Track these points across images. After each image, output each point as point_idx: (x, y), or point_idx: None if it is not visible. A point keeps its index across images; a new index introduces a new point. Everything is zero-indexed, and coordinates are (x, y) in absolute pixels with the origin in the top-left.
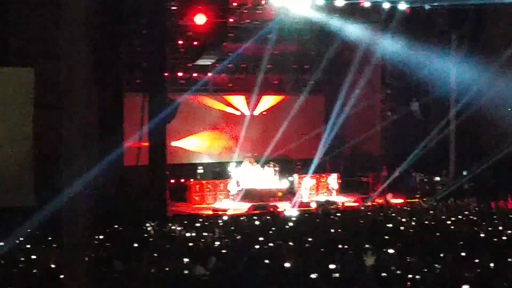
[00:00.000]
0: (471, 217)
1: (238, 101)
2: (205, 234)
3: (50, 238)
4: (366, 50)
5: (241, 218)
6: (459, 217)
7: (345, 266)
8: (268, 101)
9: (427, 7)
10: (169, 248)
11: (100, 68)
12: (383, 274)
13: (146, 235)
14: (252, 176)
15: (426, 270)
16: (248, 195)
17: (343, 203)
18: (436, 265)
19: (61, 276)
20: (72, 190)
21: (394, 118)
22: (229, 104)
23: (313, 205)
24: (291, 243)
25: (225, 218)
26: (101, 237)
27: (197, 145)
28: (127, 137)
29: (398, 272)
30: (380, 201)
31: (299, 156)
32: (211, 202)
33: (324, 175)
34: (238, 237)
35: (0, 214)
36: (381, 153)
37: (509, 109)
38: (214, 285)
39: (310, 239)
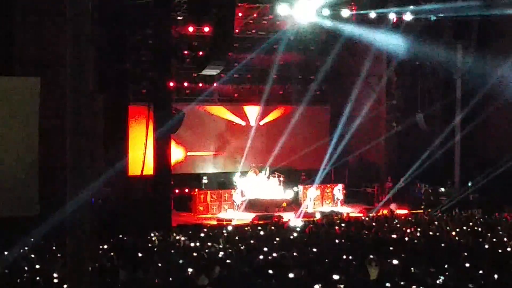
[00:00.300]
0: (476, 228)
1: (243, 111)
2: (209, 244)
3: (54, 248)
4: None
5: (246, 228)
6: (464, 228)
7: (349, 277)
8: (273, 112)
9: (433, 17)
10: (174, 258)
11: (106, 78)
12: (387, 285)
13: (150, 245)
14: (257, 186)
15: (430, 281)
16: (253, 205)
17: (347, 213)
18: (441, 276)
19: (65, 286)
20: (77, 199)
21: (399, 129)
22: (235, 114)
23: (318, 216)
24: (295, 254)
25: (229, 228)
26: (105, 246)
27: (202, 155)
28: (132, 147)
29: (402, 283)
30: (385, 211)
31: (304, 166)
32: (216, 212)
33: (329, 185)
34: (243, 247)
35: (5, 224)
36: (386, 163)
37: None
38: None
39: (314, 250)
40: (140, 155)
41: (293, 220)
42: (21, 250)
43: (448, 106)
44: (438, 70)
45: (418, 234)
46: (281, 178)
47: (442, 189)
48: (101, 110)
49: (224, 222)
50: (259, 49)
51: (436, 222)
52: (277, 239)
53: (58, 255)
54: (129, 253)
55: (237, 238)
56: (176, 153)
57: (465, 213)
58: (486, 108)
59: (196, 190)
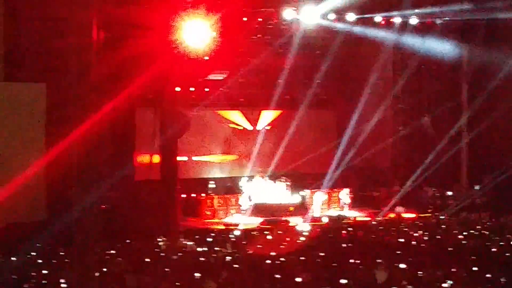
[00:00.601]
0: (483, 231)
1: (250, 115)
2: (216, 248)
3: (61, 253)
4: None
5: (253, 233)
6: (471, 231)
7: (356, 281)
8: (279, 116)
9: (438, 21)
10: (181, 263)
11: (112, 82)
12: None
13: (157, 249)
14: (263, 190)
15: (438, 285)
16: (259, 209)
17: (355, 217)
18: (448, 280)
19: None
20: (83, 205)
21: (406, 133)
22: (241, 119)
23: (325, 220)
24: (302, 258)
25: (236, 232)
26: (112, 251)
27: (208, 160)
28: (138, 152)
29: (410, 287)
30: (392, 215)
31: (311, 170)
32: (223, 217)
33: (335, 189)
34: (250, 251)
35: (12, 229)
36: (392, 167)
37: None
38: None
39: (321, 254)
40: (147, 160)
41: (300, 224)
42: (28, 256)
43: (455, 109)
44: (444, 73)
45: (426, 237)
46: (288, 183)
47: (450, 193)
48: (107, 114)
49: (231, 227)
50: (266, 53)
51: (443, 226)
52: (284, 243)
53: (66, 260)
54: (136, 258)
55: (244, 242)
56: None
57: (473, 216)
58: (493, 110)
59: (203, 194)
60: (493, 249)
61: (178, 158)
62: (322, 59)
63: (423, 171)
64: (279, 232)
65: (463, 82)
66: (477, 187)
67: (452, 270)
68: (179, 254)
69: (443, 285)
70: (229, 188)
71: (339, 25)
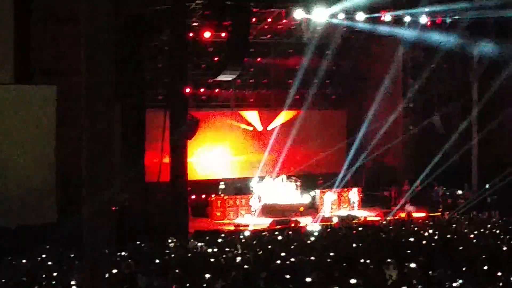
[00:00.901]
0: (494, 230)
1: (260, 116)
2: (227, 249)
3: (72, 255)
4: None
5: (263, 233)
6: (482, 230)
7: (367, 281)
8: (290, 116)
9: (448, 19)
10: (191, 264)
11: (122, 84)
12: None
13: (168, 251)
14: (273, 191)
15: (448, 284)
16: (269, 210)
17: (365, 217)
18: (459, 279)
19: None
20: (94, 207)
21: (416, 132)
22: (251, 120)
23: (335, 220)
24: (313, 258)
25: (246, 233)
26: (123, 253)
27: (218, 161)
28: (148, 154)
29: (420, 286)
30: (402, 215)
31: (321, 170)
32: (233, 218)
33: (346, 189)
34: (260, 252)
35: (23, 231)
36: (403, 166)
37: None
38: None
39: (332, 254)
40: (157, 162)
41: (310, 224)
42: (39, 258)
43: (465, 108)
44: (454, 72)
45: (436, 237)
46: (298, 183)
47: (460, 192)
48: (118, 116)
49: (241, 228)
50: (275, 53)
51: (454, 225)
52: (295, 243)
53: (76, 262)
54: (146, 259)
55: (254, 243)
56: (192, 158)
57: (483, 215)
58: (504, 109)
59: (213, 195)
60: (503, 248)
61: (188, 160)
62: (332, 59)
63: (433, 170)
64: (289, 232)
65: (473, 81)
66: (487, 186)
67: (463, 269)
68: (189, 255)
69: (454, 284)
70: (239, 188)
71: (349, 25)
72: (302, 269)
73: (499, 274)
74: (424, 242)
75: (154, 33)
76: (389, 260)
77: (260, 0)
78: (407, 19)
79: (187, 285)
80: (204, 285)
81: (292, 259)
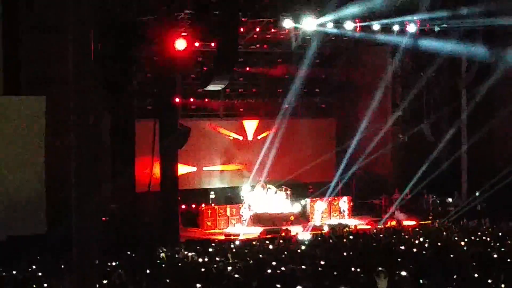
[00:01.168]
0: (484, 238)
1: (250, 125)
2: (217, 259)
3: (62, 266)
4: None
5: (254, 243)
6: (472, 238)
7: None
8: (279, 125)
9: (436, 28)
10: (182, 274)
11: (112, 94)
12: None
13: (158, 261)
14: (264, 200)
15: None
16: (260, 219)
17: (355, 225)
18: (450, 287)
19: None
20: (84, 217)
21: (405, 140)
22: (241, 129)
23: (326, 228)
24: (304, 267)
25: (237, 242)
26: (114, 263)
27: (208, 170)
28: (138, 164)
29: None
30: (393, 223)
31: (311, 179)
32: (224, 227)
33: (336, 198)
34: (251, 261)
35: (12, 242)
36: (393, 175)
37: None
38: None
39: (322, 262)
40: (147, 172)
41: (301, 233)
42: (29, 269)
43: (454, 116)
44: (443, 80)
45: (427, 245)
46: (288, 192)
47: (450, 200)
48: (107, 127)
49: (232, 237)
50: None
51: (444, 233)
52: (285, 252)
53: (66, 273)
54: (137, 269)
55: (245, 252)
56: (182, 168)
57: (473, 223)
58: (493, 117)
59: (204, 205)
60: (494, 255)
61: (179, 169)
62: (321, 67)
63: (423, 178)
64: (280, 241)
65: (462, 89)
66: (477, 194)
67: (454, 276)
68: (180, 264)
69: None
70: (230, 198)
71: (338, 34)
72: (293, 278)
73: (490, 281)
74: (414, 250)
75: (142, 43)
76: (380, 268)
77: (249, 9)
78: (396, 27)
79: None
80: None
81: (283, 268)
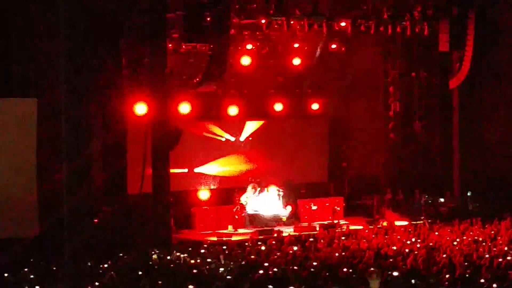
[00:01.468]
0: (476, 238)
1: (242, 126)
2: (209, 260)
3: (54, 268)
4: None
5: (246, 244)
6: (464, 238)
7: None
8: (271, 126)
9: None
10: (174, 275)
11: (104, 96)
12: None
13: (151, 262)
14: (256, 201)
15: None
16: (252, 220)
17: (347, 226)
18: (442, 287)
19: None
20: (75, 219)
21: (398, 141)
22: (233, 130)
23: (318, 229)
24: (295, 268)
25: (229, 244)
26: (105, 265)
27: (201, 172)
28: (130, 165)
29: None
30: (385, 223)
31: (303, 180)
32: (216, 229)
33: (328, 198)
34: (243, 262)
35: (4, 245)
36: (385, 175)
37: None
38: None
39: (314, 263)
40: (139, 173)
41: (293, 234)
42: (21, 271)
43: (446, 115)
44: (434, 79)
45: (419, 245)
46: (280, 192)
47: (442, 199)
48: (99, 128)
49: (224, 238)
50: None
51: (436, 233)
52: (277, 253)
53: (58, 275)
54: (129, 271)
55: (237, 253)
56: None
57: (465, 223)
58: (485, 116)
59: (196, 207)
60: (486, 255)
61: (171, 170)
62: (310, 67)
63: (415, 178)
64: (272, 242)
65: (454, 88)
66: (469, 194)
67: (446, 276)
68: (172, 266)
69: None
70: (222, 199)
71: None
72: (285, 279)
73: (482, 281)
74: (406, 250)
75: (133, 45)
76: (371, 268)
77: (241, 11)
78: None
79: None
80: None
81: (275, 269)
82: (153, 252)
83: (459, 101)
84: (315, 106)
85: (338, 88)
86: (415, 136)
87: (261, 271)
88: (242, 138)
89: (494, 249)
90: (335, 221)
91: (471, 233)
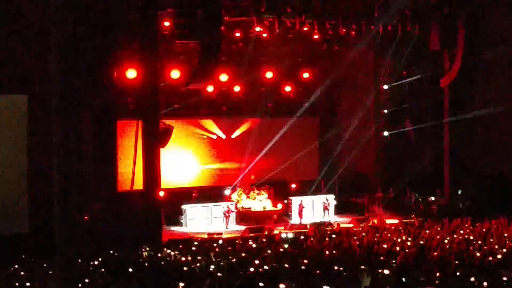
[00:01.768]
0: (466, 236)
1: (233, 124)
2: (200, 257)
3: (45, 265)
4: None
5: (237, 241)
6: (455, 236)
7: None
8: (262, 124)
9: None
10: (165, 272)
11: (94, 94)
12: None
13: (141, 259)
14: (247, 199)
15: None
16: (243, 218)
17: (338, 224)
18: (432, 285)
19: None
20: (66, 216)
21: (389, 139)
22: (223, 128)
23: (309, 227)
24: (286, 265)
25: (220, 241)
26: (96, 262)
27: (191, 169)
28: (121, 163)
29: None
30: (376, 221)
31: (294, 178)
32: (206, 226)
33: (319, 196)
34: (234, 260)
35: None
36: (376, 173)
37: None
38: None
39: (305, 261)
40: (130, 170)
41: (284, 232)
42: (12, 268)
43: (437, 115)
44: (425, 80)
45: (409, 243)
46: (271, 190)
47: (433, 198)
48: (89, 125)
49: (215, 236)
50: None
51: (427, 231)
52: (268, 251)
53: (49, 272)
54: (120, 268)
55: (228, 251)
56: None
57: (456, 221)
58: (475, 116)
59: (187, 204)
60: (476, 254)
61: (161, 168)
62: (305, 66)
63: (406, 177)
64: (263, 240)
65: (444, 88)
66: (459, 192)
67: (436, 274)
68: (162, 263)
69: None
70: (213, 197)
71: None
72: (276, 276)
73: (472, 279)
74: (397, 248)
75: (125, 42)
76: (362, 266)
77: (231, 8)
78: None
79: None
80: None
81: (266, 267)
82: (143, 249)
83: (450, 100)
84: (305, 75)
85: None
86: (406, 135)
87: (252, 269)
88: (234, 135)
89: (485, 247)
90: (326, 219)
91: (461, 231)
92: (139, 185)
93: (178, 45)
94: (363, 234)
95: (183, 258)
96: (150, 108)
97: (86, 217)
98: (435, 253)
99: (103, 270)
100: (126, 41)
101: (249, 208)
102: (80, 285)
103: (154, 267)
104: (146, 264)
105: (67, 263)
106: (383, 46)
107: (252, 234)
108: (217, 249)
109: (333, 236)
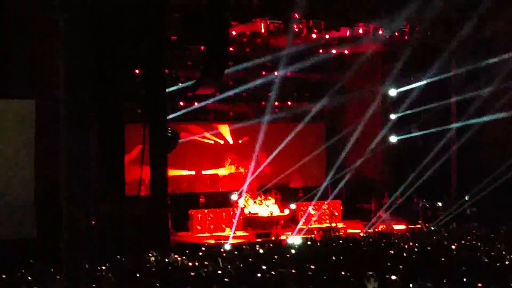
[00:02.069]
0: (474, 242)
1: (239, 129)
2: (207, 263)
3: (52, 270)
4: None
5: (244, 246)
6: (462, 242)
7: None
8: (269, 130)
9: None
10: (172, 278)
11: (100, 98)
12: None
13: (148, 265)
14: (254, 204)
15: None
16: (250, 223)
17: (345, 229)
18: None
19: None
20: (73, 221)
21: (395, 144)
22: (230, 133)
23: (315, 233)
24: (293, 271)
25: (227, 246)
26: (103, 267)
27: (198, 174)
28: (128, 168)
29: None
30: (383, 227)
31: (301, 183)
32: (214, 231)
33: (326, 202)
34: (241, 265)
35: (1, 246)
36: (382, 179)
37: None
38: None
39: (312, 267)
40: (137, 176)
41: (291, 237)
42: (18, 273)
43: (444, 120)
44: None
45: (416, 249)
46: (278, 196)
47: (440, 204)
48: (96, 131)
49: (222, 241)
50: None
51: (434, 237)
52: (275, 256)
53: (56, 277)
54: (126, 274)
55: (235, 256)
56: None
57: (463, 227)
58: (482, 121)
59: (194, 209)
60: (484, 260)
61: (169, 173)
62: (310, 72)
63: (413, 182)
64: (270, 245)
65: (451, 93)
66: (466, 198)
67: (443, 281)
68: (170, 269)
69: None
70: (220, 202)
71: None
72: (283, 282)
73: (480, 285)
74: (404, 254)
75: (131, 46)
76: (369, 272)
77: (239, 13)
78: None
79: None
80: None
81: (273, 272)
82: (150, 255)
83: (456, 105)
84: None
85: (336, 92)
86: (412, 140)
87: (259, 274)
88: (240, 141)
89: (492, 253)
90: (333, 225)
91: (468, 237)
92: (146, 190)
93: (185, 49)
94: (370, 239)
95: (190, 263)
96: (158, 113)
97: (93, 222)
98: (443, 259)
99: (110, 275)
100: (133, 46)
101: (256, 213)
102: None
103: (161, 272)
104: (153, 269)
105: (74, 269)
106: (390, 51)
107: (259, 240)
108: (224, 254)
109: (340, 241)
